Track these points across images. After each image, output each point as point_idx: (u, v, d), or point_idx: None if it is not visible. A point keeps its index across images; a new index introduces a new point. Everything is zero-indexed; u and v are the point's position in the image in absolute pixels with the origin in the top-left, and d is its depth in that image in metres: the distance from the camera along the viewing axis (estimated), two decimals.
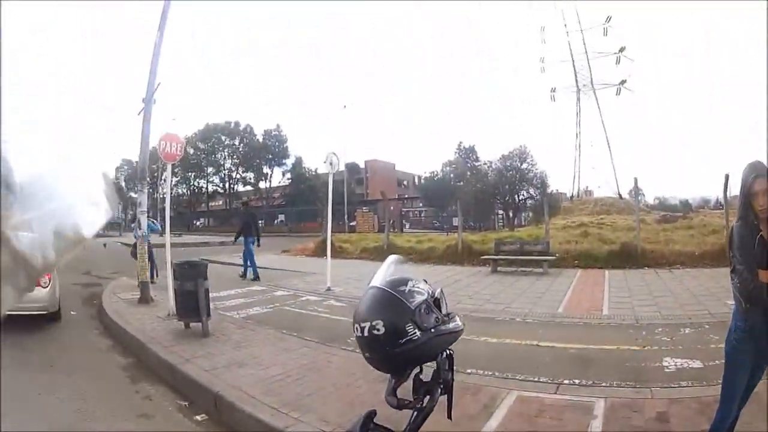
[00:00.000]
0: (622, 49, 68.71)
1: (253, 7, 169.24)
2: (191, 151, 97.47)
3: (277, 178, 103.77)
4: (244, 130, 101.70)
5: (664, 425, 5.74)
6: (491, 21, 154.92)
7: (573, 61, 71.27)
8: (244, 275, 20.67)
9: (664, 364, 7.98)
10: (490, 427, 5.82)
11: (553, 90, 73.94)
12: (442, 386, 2.74)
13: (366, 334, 2.61)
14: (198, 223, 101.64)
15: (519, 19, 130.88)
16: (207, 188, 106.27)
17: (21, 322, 11.32)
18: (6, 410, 7.01)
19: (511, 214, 62.86)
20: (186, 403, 7.40)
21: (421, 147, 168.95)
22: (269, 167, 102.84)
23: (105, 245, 43.14)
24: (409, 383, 2.71)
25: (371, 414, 2.55)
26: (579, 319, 11.72)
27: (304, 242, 34.78)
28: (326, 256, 18.52)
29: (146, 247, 15.43)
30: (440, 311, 2.76)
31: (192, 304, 10.64)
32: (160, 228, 21.23)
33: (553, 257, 20.65)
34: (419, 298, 2.71)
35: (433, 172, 79.44)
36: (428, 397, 2.66)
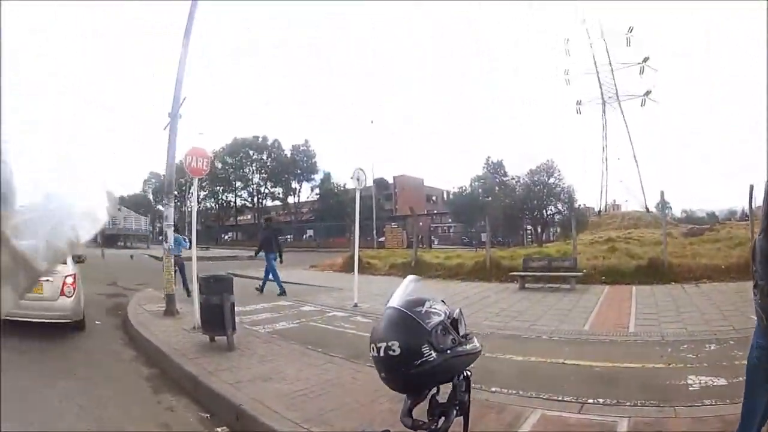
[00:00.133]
0: (645, 59, 68.39)
1: (279, 22, 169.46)
2: (219, 165, 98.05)
3: (306, 193, 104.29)
4: (272, 145, 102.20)
5: None
6: (524, 33, 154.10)
7: (597, 72, 71.01)
8: (261, 290, 20.56)
9: (689, 381, 7.84)
10: None
11: (579, 103, 73.79)
12: (458, 408, 2.72)
13: (382, 354, 2.59)
14: (226, 237, 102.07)
15: (544, 30, 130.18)
16: (235, 202, 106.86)
17: (44, 329, 11.48)
18: (24, 415, 7.13)
19: (539, 230, 62.51)
20: (208, 415, 7.39)
21: (450, 162, 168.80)
22: (298, 182, 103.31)
23: (132, 257, 43.41)
24: (425, 404, 2.67)
25: None
26: (605, 337, 11.56)
27: (332, 257, 34.83)
28: (354, 271, 18.42)
29: (173, 260, 15.48)
30: (458, 332, 2.74)
31: (217, 318, 10.61)
32: (188, 245, 21.39)
33: (581, 273, 20.39)
34: (436, 319, 2.69)
35: (462, 187, 79.00)
36: (443, 418, 2.63)
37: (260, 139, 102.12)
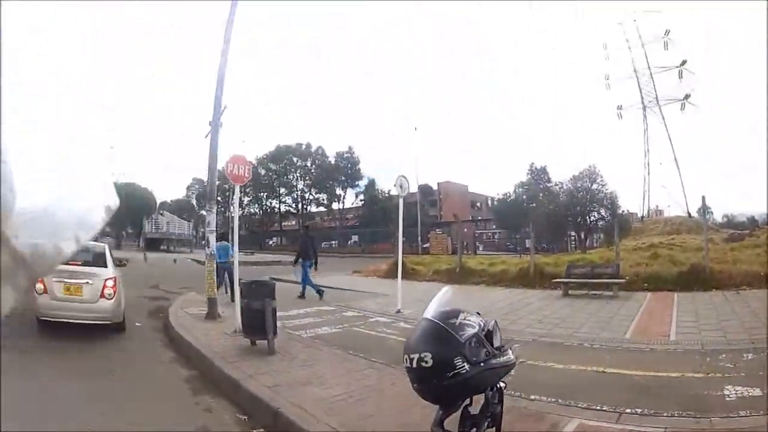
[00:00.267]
0: (683, 63, 67.26)
1: (317, 27, 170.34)
2: (262, 171, 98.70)
3: (351, 199, 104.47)
4: (315, 152, 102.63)
5: None
6: (565, 37, 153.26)
7: (637, 77, 70.26)
8: (302, 295, 20.63)
9: (725, 392, 7.64)
10: None
11: (620, 107, 73.03)
12: (489, 419, 2.69)
13: (415, 365, 2.58)
14: (271, 243, 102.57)
15: (582, 34, 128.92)
16: (279, 208, 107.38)
17: (84, 330, 11.76)
18: (60, 414, 7.20)
19: (583, 236, 62.02)
20: (245, 417, 7.37)
21: (494, 168, 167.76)
22: (342, 189, 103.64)
23: (175, 261, 43.77)
24: (458, 414, 2.63)
25: None
26: (646, 345, 11.34)
27: (377, 263, 34.78)
28: (397, 277, 18.35)
29: (215, 264, 15.56)
30: (492, 345, 2.71)
31: (259, 322, 10.63)
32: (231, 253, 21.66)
33: (623, 280, 20.08)
34: (470, 331, 2.68)
35: (506, 193, 78.57)
36: (474, 429, 2.60)
37: (303, 146, 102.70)
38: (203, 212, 21.27)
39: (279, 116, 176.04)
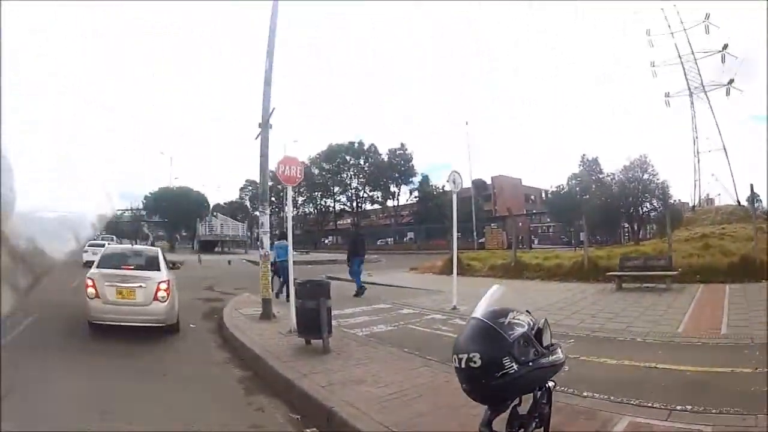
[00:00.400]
0: (725, 47, 65.77)
1: (362, 27, 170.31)
2: (316, 171, 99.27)
3: (405, 196, 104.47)
4: (368, 150, 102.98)
5: None
6: (614, 28, 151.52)
7: (681, 63, 68.94)
8: (358, 293, 20.59)
9: None
10: None
11: (667, 95, 71.78)
12: (537, 420, 2.62)
13: (463, 365, 2.53)
14: (326, 241, 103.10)
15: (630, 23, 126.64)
16: (334, 207, 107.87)
17: (139, 332, 11.98)
18: (113, 414, 7.33)
19: (636, 227, 61.27)
20: (298, 417, 7.36)
21: (547, 161, 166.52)
22: (396, 186, 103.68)
23: (230, 262, 44.15)
24: (506, 415, 2.57)
25: None
26: (697, 339, 11.17)
27: (432, 260, 34.72)
28: (453, 273, 18.22)
29: (269, 265, 15.63)
30: (541, 343, 2.65)
31: (313, 322, 10.62)
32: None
33: (676, 272, 19.82)
34: (519, 331, 2.62)
35: (560, 186, 77.91)
36: (522, 430, 2.54)
37: (356, 145, 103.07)
38: (257, 213, 21.66)
39: (330, 115, 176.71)
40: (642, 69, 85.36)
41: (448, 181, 18.95)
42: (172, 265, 15.40)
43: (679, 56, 68.45)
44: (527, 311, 3.08)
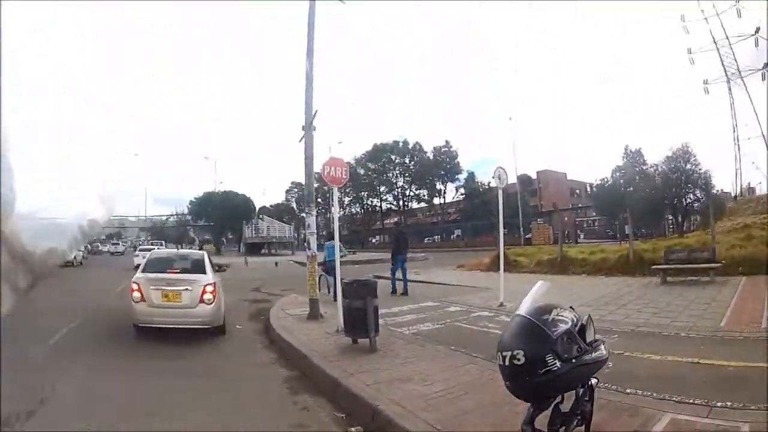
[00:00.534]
0: (757, 30, 64.15)
1: (401, 22, 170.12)
2: (362, 171, 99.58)
3: (451, 193, 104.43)
4: (413, 148, 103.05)
5: None
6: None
7: (717, 48, 67.57)
8: (405, 292, 20.62)
9: None
10: None
11: (706, 82, 70.43)
12: (579, 417, 2.61)
13: (507, 363, 2.55)
14: (373, 241, 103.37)
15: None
16: (380, 206, 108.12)
17: (184, 335, 12.12)
18: (160, 414, 7.43)
19: (680, 219, 60.47)
20: (343, 415, 7.38)
21: (591, 153, 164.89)
22: (442, 183, 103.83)
23: (276, 264, 44.36)
24: (549, 412, 2.56)
25: None
26: (739, 334, 10.96)
27: (479, 257, 34.59)
28: (500, 270, 18.14)
29: (316, 265, 15.69)
30: (584, 340, 2.64)
31: (360, 321, 10.64)
32: (345, 252, 22.15)
33: (719, 265, 19.44)
34: (562, 327, 2.63)
35: (604, 178, 76.97)
36: (564, 428, 2.53)
37: (401, 143, 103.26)
38: (303, 215, 21.76)
39: (374, 115, 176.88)
40: (680, 56, 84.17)
41: (493, 177, 18.93)
42: (219, 268, 15.57)
43: (714, 42, 67.26)
44: (571, 307, 3.07)
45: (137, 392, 8.44)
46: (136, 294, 12.33)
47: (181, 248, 33.01)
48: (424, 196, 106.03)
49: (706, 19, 66.83)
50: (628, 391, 7.19)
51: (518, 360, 2.56)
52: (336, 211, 16.51)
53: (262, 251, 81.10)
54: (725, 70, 67.69)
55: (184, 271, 13.40)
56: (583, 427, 2.92)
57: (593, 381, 3.09)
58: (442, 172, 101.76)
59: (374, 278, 13.87)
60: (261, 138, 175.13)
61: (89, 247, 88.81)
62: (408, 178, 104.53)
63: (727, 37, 65.98)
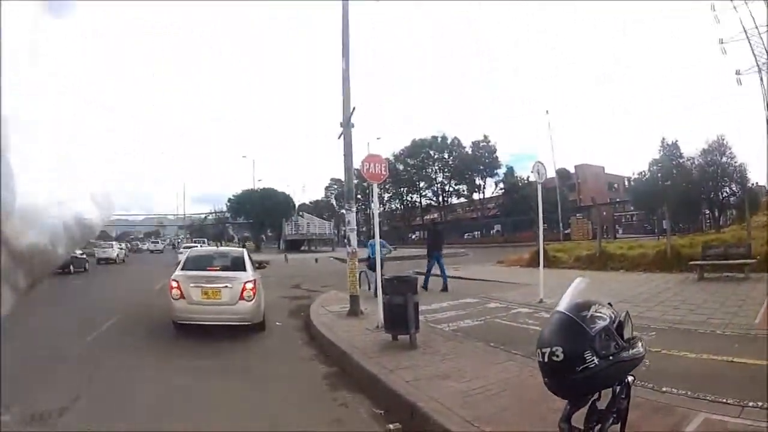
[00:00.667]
0: None
1: (438, 22, 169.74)
2: (401, 167, 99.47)
3: (491, 189, 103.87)
4: (452, 143, 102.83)
5: None
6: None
7: (747, 37, 66.19)
8: (445, 288, 20.64)
9: None
10: None
11: (738, 72, 69.08)
12: (615, 415, 2.63)
13: (546, 359, 2.56)
14: (413, 237, 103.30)
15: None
16: (420, 202, 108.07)
17: (224, 331, 12.32)
18: (196, 408, 7.69)
19: (716, 213, 59.57)
20: (382, 412, 7.42)
21: (628, 146, 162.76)
22: (481, 178, 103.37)
23: (317, 260, 44.47)
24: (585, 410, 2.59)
25: None
26: None
27: (519, 252, 34.41)
28: (539, 266, 18.08)
29: (356, 262, 15.74)
30: (622, 337, 2.66)
31: (401, 318, 10.66)
32: (390, 249, 22.24)
33: (754, 261, 19.20)
34: (600, 324, 2.64)
35: (642, 172, 75.90)
36: (599, 426, 2.56)
37: (439, 139, 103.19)
38: (343, 211, 21.87)
39: (411, 110, 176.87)
40: (711, 46, 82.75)
41: (532, 172, 18.93)
42: (259, 265, 15.64)
43: (745, 31, 65.99)
44: (609, 304, 3.08)
45: (177, 388, 8.59)
46: (176, 291, 12.52)
47: (221, 246, 33.19)
48: (463, 191, 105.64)
49: (735, 8, 65.72)
50: (664, 389, 7.17)
51: (557, 357, 2.58)
52: (376, 208, 16.53)
53: (302, 248, 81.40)
54: (756, 61, 66.47)
55: (224, 268, 13.57)
56: (618, 425, 2.94)
57: (630, 378, 3.10)
58: (481, 167, 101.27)
59: (415, 275, 13.91)
60: (300, 135, 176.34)
61: (130, 245, 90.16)
62: (447, 174, 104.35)
63: (756, 26, 64.79)
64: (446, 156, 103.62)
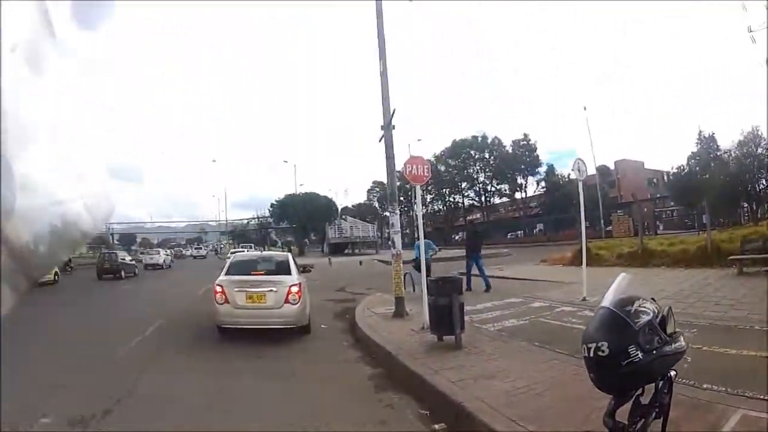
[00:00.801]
0: None
1: (474, 20, 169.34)
2: (442, 168, 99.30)
3: (532, 187, 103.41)
4: (492, 143, 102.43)
5: None
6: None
7: None
8: (487, 288, 20.63)
9: None
10: None
11: None
12: (657, 410, 2.64)
13: (591, 355, 2.57)
14: (456, 238, 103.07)
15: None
16: (462, 203, 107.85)
17: (269, 335, 12.45)
18: (243, 410, 7.78)
19: (754, 206, 58.48)
20: (427, 412, 7.45)
21: (666, 139, 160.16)
22: (523, 177, 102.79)
23: (360, 263, 44.49)
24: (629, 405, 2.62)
25: None
26: None
27: (562, 251, 34.25)
28: (582, 264, 18.00)
29: (401, 263, 15.76)
30: (665, 331, 2.67)
31: (446, 318, 10.66)
32: (436, 248, 22.33)
33: None
34: (644, 318, 2.63)
35: (680, 166, 74.54)
36: (643, 420, 2.57)
37: (480, 139, 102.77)
38: (386, 214, 22.02)
39: (450, 111, 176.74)
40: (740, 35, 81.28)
41: (573, 170, 18.71)
42: (303, 269, 15.72)
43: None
44: (652, 299, 3.10)
45: (223, 391, 8.74)
46: (220, 296, 12.67)
47: (265, 250, 33.42)
48: (505, 190, 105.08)
49: None
50: (705, 386, 7.12)
51: (602, 352, 2.58)
52: (419, 209, 16.56)
53: (346, 251, 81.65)
54: None
55: (269, 272, 13.68)
56: (660, 420, 2.94)
57: (672, 373, 3.11)
58: (522, 166, 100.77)
59: (459, 275, 13.92)
60: (341, 139, 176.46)
61: (173, 251, 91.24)
62: (489, 173, 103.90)
63: None
64: (487, 156, 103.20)
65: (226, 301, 12.62)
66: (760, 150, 56.37)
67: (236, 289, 12.64)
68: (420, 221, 15.63)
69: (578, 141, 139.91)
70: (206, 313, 14.33)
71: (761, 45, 71.11)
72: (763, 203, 59.13)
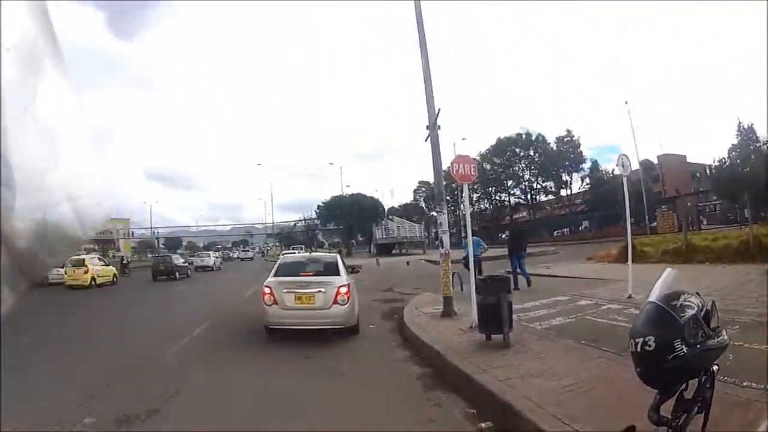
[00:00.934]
0: None
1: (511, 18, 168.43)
2: (488, 166, 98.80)
3: (577, 184, 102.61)
4: (536, 140, 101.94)
5: None
6: None
7: None
8: (528, 283, 20.94)
9: None
10: None
11: None
12: (699, 404, 2.69)
13: (638, 349, 2.62)
14: (503, 236, 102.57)
15: None
16: (509, 201, 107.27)
17: (318, 336, 12.69)
18: (293, 410, 7.92)
19: None
20: (474, 411, 7.50)
21: (707, 131, 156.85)
22: (567, 174, 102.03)
23: (408, 263, 44.51)
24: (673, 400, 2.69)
25: (630, 429, 2.56)
26: None
27: (607, 248, 33.99)
28: (628, 261, 17.89)
29: (449, 263, 15.81)
30: (708, 325, 2.72)
31: (494, 317, 10.69)
32: (485, 246, 22.40)
33: None
34: (689, 313, 2.68)
35: (722, 159, 73.32)
36: (686, 415, 2.62)
37: (524, 136, 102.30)
38: (433, 213, 21.71)
39: (493, 109, 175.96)
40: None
41: (617, 165, 18.62)
42: (352, 270, 15.82)
43: None
44: (697, 293, 3.15)
45: (271, 392, 8.91)
46: (268, 297, 12.86)
47: (313, 252, 33.66)
48: (551, 188, 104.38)
49: None
50: (745, 384, 7.12)
51: (649, 346, 2.61)
52: (467, 208, 16.55)
53: (393, 251, 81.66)
54: None
55: (318, 273, 13.85)
56: (702, 415, 3.00)
57: (715, 368, 3.16)
58: (567, 163, 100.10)
59: (506, 274, 13.96)
60: (387, 140, 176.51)
61: (221, 254, 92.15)
62: (534, 171, 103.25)
63: None
64: (532, 153, 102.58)
65: (275, 302, 12.80)
66: None
67: (285, 291, 12.81)
68: (468, 219, 15.66)
69: (620, 136, 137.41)
70: (253, 314, 14.59)
71: None
72: None
